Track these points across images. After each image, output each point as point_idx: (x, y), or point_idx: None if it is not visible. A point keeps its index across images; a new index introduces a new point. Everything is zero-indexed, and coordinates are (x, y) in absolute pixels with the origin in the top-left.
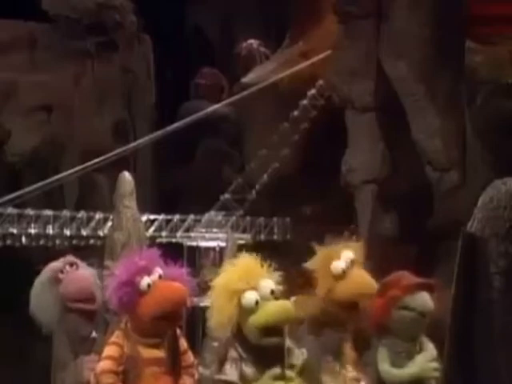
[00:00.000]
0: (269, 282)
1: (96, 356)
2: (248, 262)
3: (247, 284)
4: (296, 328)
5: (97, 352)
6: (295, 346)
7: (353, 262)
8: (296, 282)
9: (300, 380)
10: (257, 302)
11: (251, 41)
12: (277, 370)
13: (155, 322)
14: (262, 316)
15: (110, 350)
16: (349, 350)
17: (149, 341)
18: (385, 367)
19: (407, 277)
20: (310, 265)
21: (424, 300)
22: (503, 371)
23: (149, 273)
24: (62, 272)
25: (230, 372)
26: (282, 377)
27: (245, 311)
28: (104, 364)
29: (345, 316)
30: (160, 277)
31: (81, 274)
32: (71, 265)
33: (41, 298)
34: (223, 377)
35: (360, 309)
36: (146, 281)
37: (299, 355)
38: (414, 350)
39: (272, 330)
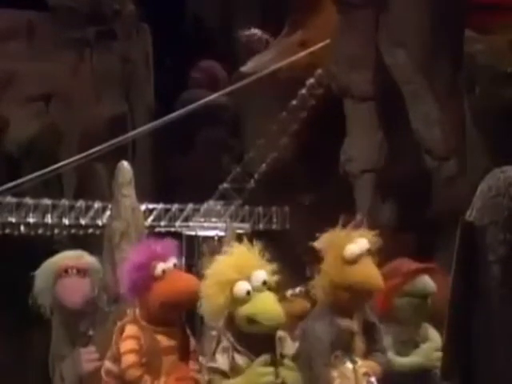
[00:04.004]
0: (262, 273)
1: (93, 348)
2: (242, 251)
3: (240, 274)
4: (297, 322)
5: (95, 344)
6: (287, 336)
7: (368, 252)
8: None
9: (294, 367)
10: (248, 293)
11: (254, 30)
12: (266, 357)
13: (163, 309)
14: (252, 309)
15: (128, 344)
16: (358, 343)
17: (165, 329)
18: (389, 355)
19: (406, 263)
20: (318, 243)
21: (425, 283)
22: (501, 360)
23: (164, 260)
24: (66, 271)
25: (221, 361)
26: (272, 363)
27: (236, 301)
28: (128, 358)
29: (351, 303)
30: (174, 266)
31: (75, 284)
32: (72, 269)
33: (43, 285)
34: (214, 364)
35: (366, 299)
36: (160, 267)
37: (291, 345)
38: (419, 337)
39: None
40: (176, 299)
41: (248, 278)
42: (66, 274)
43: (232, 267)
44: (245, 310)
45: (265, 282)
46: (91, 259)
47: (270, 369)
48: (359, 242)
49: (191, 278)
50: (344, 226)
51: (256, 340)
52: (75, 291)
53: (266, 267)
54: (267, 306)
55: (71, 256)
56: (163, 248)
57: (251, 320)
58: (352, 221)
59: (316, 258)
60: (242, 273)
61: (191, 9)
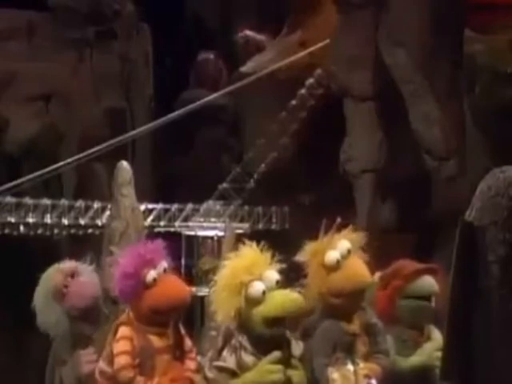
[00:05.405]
0: (274, 273)
1: (92, 349)
2: (251, 253)
3: (252, 275)
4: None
5: (94, 346)
6: (293, 338)
7: (349, 252)
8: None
9: (300, 366)
10: (264, 293)
11: (248, 32)
12: (277, 354)
13: (155, 315)
14: (270, 306)
15: (121, 346)
16: (360, 345)
17: (157, 330)
18: (392, 356)
19: (408, 264)
20: (300, 257)
21: (427, 283)
22: (501, 360)
23: (154, 266)
24: (65, 287)
25: (229, 359)
26: (281, 361)
27: (251, 302)
28: (120, 359)
29: (347, 306)
30: (165, 270)
31: (83, 285)
32: (72, 276)
33: (47, 313)
34: (222, 363)
35: (361, 299)
36: (151, 275)
37: (297, 346)
38: (421, 338)
39: (276, 320)
40: (167, 307)
41: (260, 279)
42: (66, 289)
43: (244, 269)
44: (262, 311)
45: (277, 282)
46: (72, 262)
47: (279, 366)
48: (339, 246)
49: (182, 284)
50: (326, 231)
51: (268, 341)
52: (84, 292)
53: (274, 266)
54: (283, 300)
55: (56, 271)
56: (152, 253)
57: (268, 321)
58: (335, 224)
59: (301, 273)
60: (254, 274)
61: (191, 9)
